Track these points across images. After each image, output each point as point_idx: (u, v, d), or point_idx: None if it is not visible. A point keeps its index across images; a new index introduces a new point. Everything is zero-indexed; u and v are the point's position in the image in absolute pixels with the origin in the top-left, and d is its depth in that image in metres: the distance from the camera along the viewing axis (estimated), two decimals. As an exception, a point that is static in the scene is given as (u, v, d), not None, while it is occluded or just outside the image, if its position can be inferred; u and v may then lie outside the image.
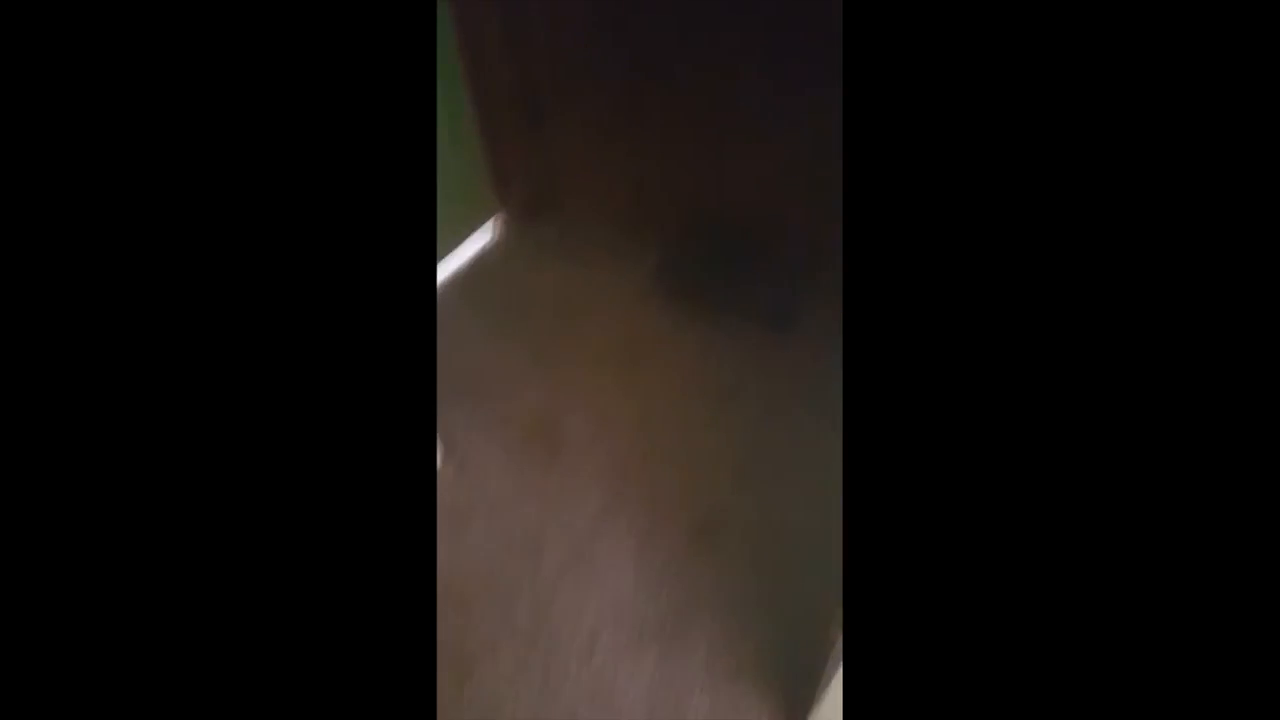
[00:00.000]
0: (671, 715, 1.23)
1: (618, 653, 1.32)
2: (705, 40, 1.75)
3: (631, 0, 1.79)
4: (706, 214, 2.14)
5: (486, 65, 2.01)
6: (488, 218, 2.38)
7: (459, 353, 1.97)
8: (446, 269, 2.26)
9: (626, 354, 1.93)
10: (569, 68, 2.01)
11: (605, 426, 1.74)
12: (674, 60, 1.83)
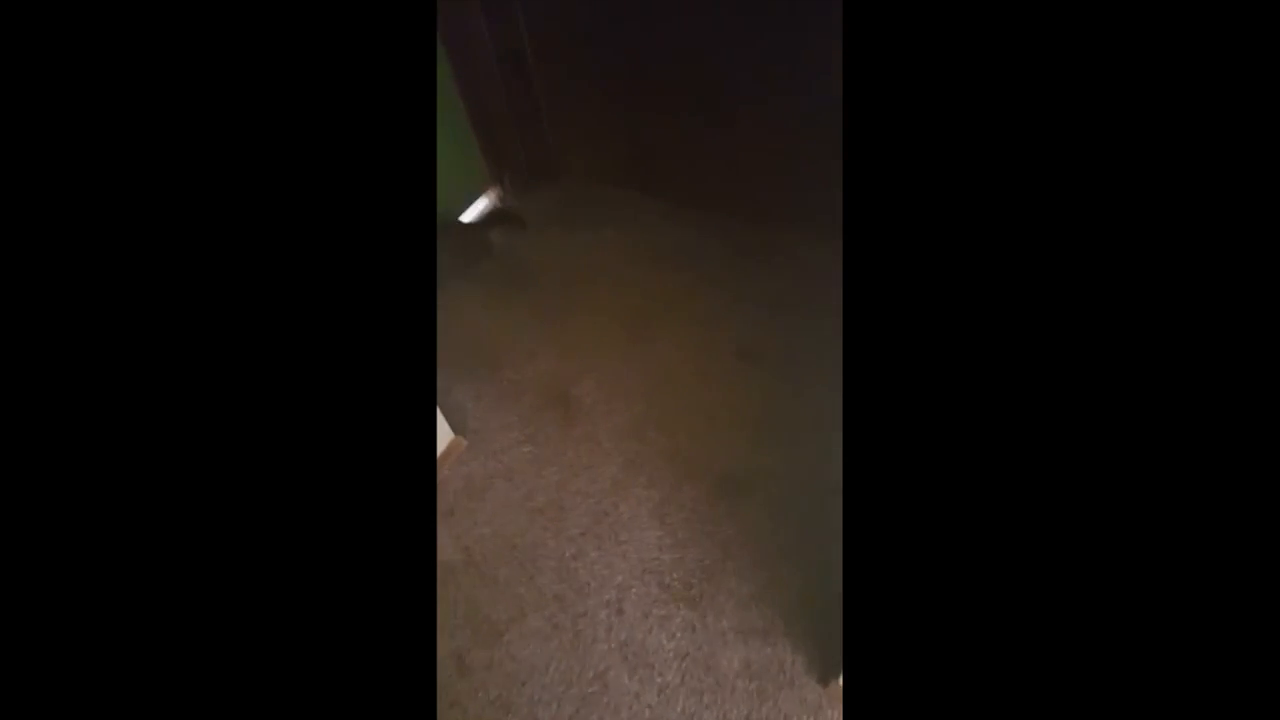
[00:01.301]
0: (703, 672, 1.23)
1: (646, 611, 1.32)
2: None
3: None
4: (712, 175, 2.09)
5: (467, 19, 1.93)
6: (484, 186, 2.32)
7: (463, 325, 1.94)
8: (445, 239, 2.21)
9: (637, 318, 1.90)
10: (549, 18, 1.93)
11: (619, 391, 1.72)
12: (667, 14, 1.75)
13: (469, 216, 2.28)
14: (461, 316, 1.96)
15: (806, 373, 1.70)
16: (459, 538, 1.45)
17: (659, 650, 1.27)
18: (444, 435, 1.56)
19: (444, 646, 1.30)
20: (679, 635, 1.28)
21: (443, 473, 1.57)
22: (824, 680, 1.20)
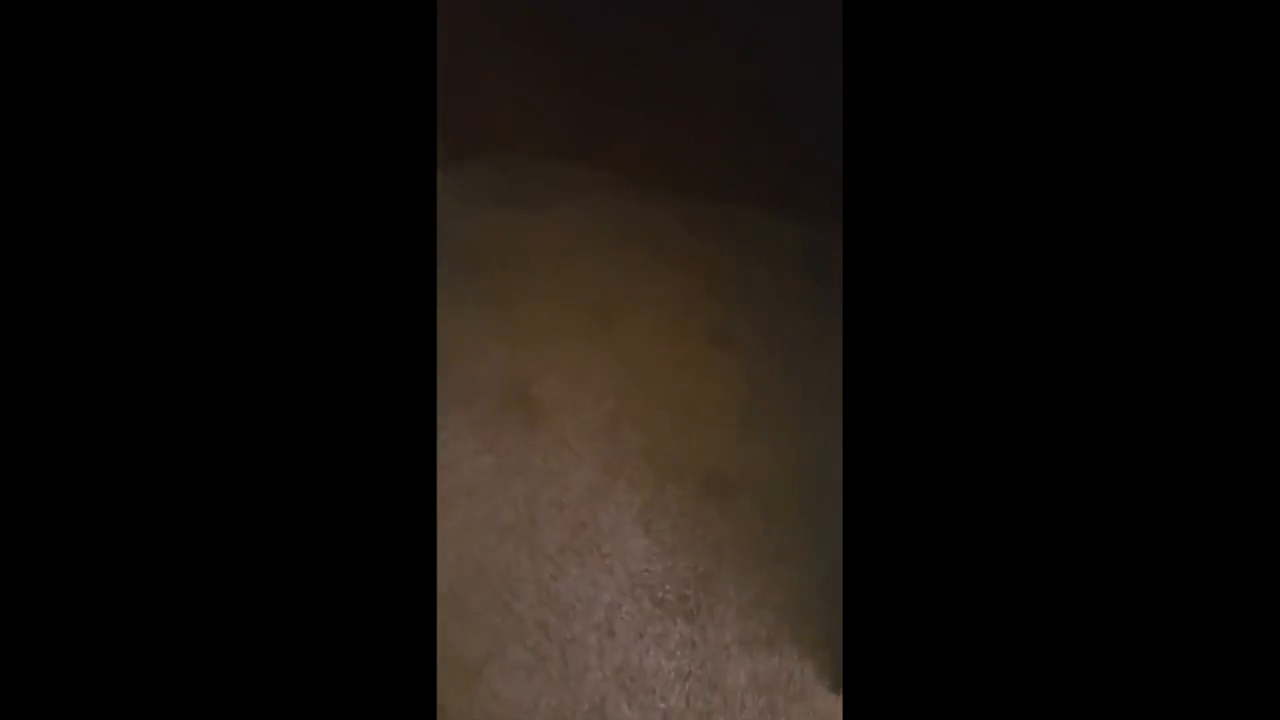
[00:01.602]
0: (709, 691, 1.14)
1: (641, 630, 1.20)
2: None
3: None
4: (671, 146, 1.94)
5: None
6: (412, 160, 2.07)
7: (403, 318, 1.71)
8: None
9: (596, 304, 1.75)
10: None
11: (585, 386, 1.57)
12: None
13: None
14: (398, 309, 1.74)
15: (785, 358, 1.62)
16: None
17: (658, 672, 1.16)
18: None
19: (412, 695, 1.13)
20: (678, 654, 1.18)
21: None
22: (836, 688, 1.13)
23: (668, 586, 1.26)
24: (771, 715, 1.12)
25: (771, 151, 1.81)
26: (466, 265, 1.86)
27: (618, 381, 1.58)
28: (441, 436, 1.47)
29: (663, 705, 1.13)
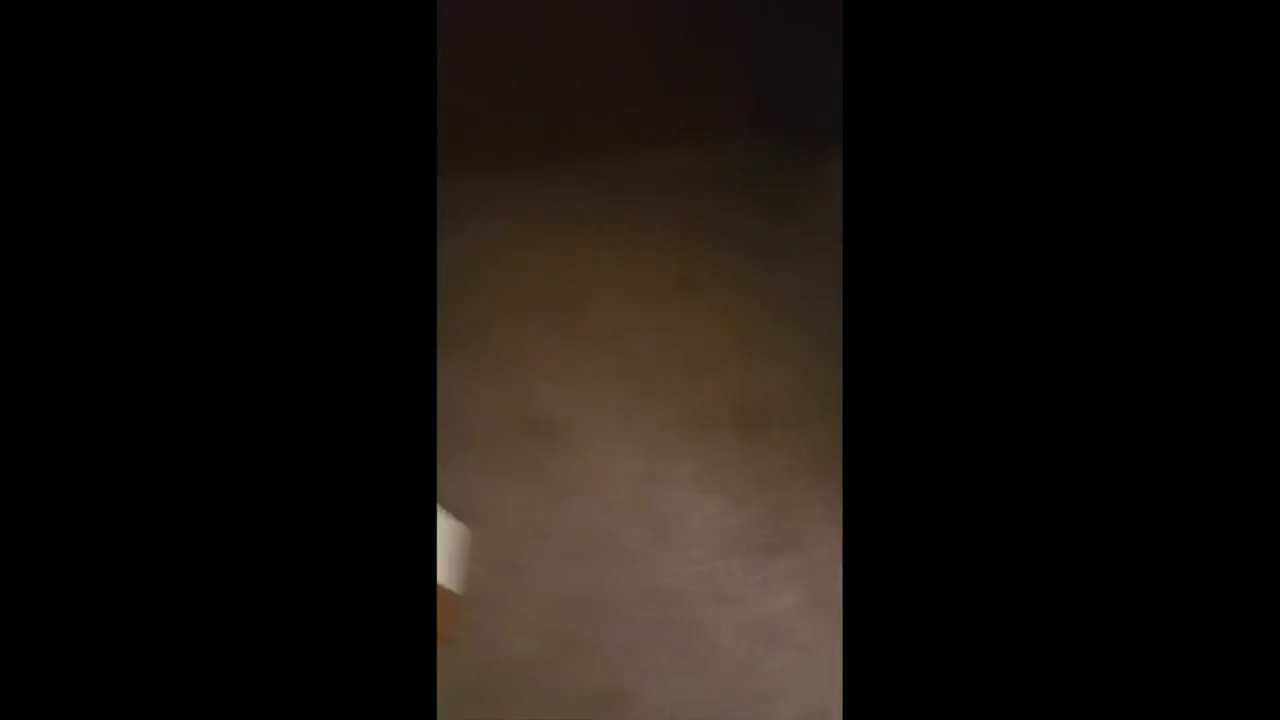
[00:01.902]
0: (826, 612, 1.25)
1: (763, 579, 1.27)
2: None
3: None
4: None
5: None
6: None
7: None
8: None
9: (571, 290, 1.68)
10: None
11: (600, 395, 1.54)
12: None
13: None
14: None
15: (754, 302, 1.65)
16: (515, 627, 1.26)
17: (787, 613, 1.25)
18: (448, 527, 1.31)
19: None
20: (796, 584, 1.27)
21: (471, 569, 1.33)
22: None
23: (761, 532, 1.33)
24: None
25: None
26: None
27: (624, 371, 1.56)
28: (463, 460, 1.41)
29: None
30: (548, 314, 1.67)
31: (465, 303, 1.66)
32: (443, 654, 1.03)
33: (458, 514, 1.32)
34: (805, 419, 1.46)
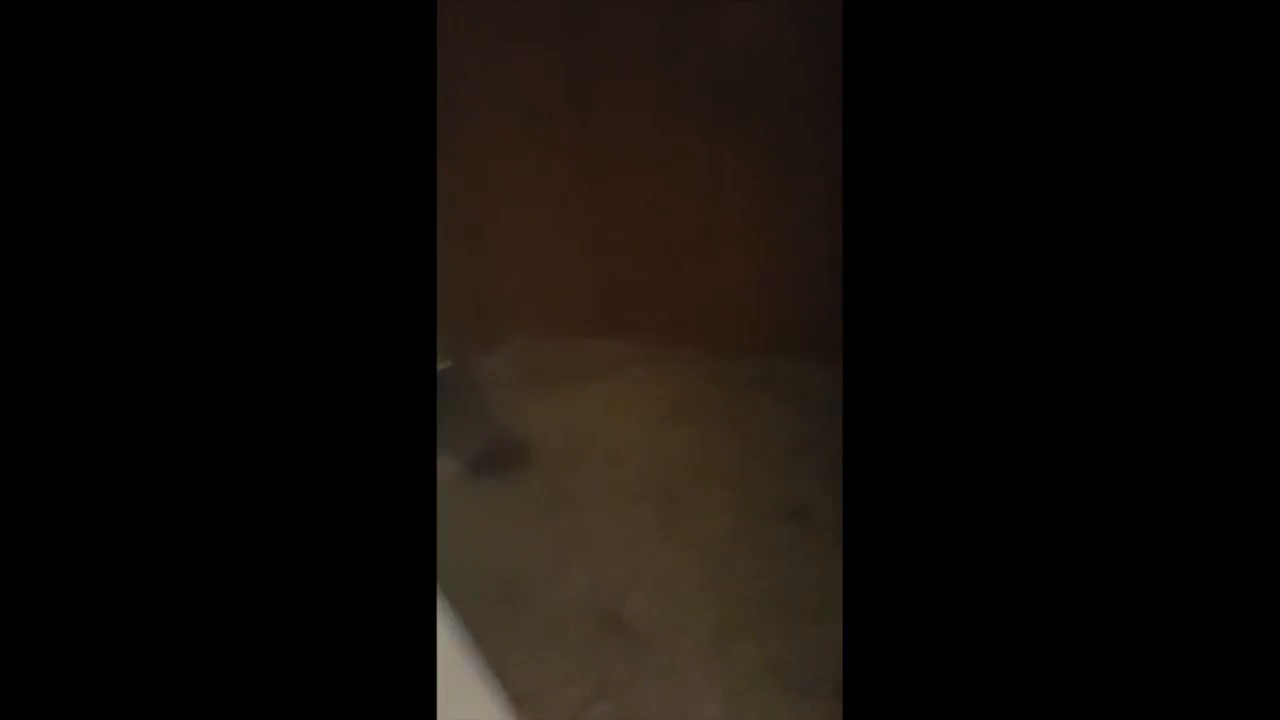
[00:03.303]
0: None
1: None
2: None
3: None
4: (691, 309, 1.98)
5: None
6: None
7: (460, 543, 1.57)
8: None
9: (666, 494, 1.68)
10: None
11: (678, 596, 1.47)
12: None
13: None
14: (453, 531, 1.60)
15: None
16: None
17: None
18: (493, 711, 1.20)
19: None
20: None
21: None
22: None
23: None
24: None
25: (797, 299, 1.86)
26: (513, 466, 1.76)
27: (706, 582, 1.49)
28: (546, 683, 1.31)
29: None
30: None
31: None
32: None
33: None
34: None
